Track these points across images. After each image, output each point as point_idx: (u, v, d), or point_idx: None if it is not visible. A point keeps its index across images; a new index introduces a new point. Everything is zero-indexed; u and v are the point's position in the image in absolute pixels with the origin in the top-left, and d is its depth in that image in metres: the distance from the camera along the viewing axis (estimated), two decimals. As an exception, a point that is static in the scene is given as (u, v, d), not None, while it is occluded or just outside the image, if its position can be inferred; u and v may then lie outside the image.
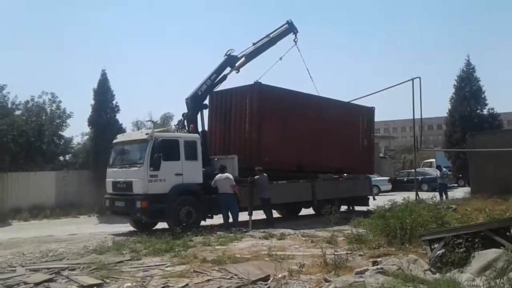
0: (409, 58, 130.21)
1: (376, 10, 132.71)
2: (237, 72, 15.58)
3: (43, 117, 24.33)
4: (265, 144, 14.40)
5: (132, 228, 13.46)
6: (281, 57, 16.48)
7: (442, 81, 79.29)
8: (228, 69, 15.34)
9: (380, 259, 7.43)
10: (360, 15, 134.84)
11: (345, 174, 17.32)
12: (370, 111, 19.12)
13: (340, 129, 17.01)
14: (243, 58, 15.67)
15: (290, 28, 16.85)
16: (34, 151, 22.70)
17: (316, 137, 15.86)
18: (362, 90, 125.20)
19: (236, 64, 15.46)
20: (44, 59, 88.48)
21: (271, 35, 16.38)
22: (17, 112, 24.55)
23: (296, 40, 16.97)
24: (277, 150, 14.48)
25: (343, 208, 17.05)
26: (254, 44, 16.00)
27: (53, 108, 24.87)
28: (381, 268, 6.42)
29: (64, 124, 24.80)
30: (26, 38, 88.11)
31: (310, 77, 17.50)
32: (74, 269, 7.81)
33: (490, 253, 6.03)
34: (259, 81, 14.70)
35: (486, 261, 5.89)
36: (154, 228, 13.25)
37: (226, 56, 15.36)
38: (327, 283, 6.11)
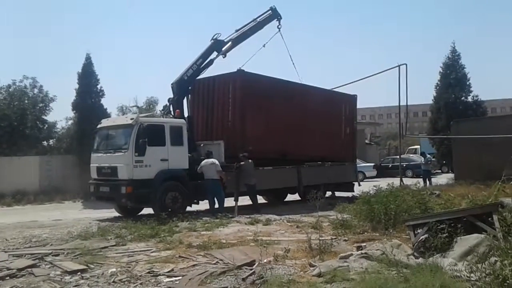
0: (395, 44, 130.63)
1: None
2: (223, 57, 15.41)
3: (26, 101, 23.91)
4: (248, 132, 14.28)
5: (117, 214, 13.37)
6: (265, 44, 16.38)
7: (427, 68, 79.74)
8: (215, 54, 15.16)
9: (364, 244, 7.52)
10: (346, 0, 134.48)
11: (329, 163, 17.35)
12: (353, 98, 19.12)
13: (323, 117, 16.98)
14: (230, 43, 15.50)
15: (273, 15, 16.67)
16: (17, 136, 22.32)
17: (299, 125, 15.80)
18: (347, 77, 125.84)
19: (223, 49, 15.29)
20: (28, 43, 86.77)
21: (258, 19, 16.23)
22: (-1, 96, 24.12)
23: (279, 26, 16.82)
24: (260, 139, 14.36)
25: (327, 194, 17.15)
26: (237, 30, 15.83)
27: (35, 92, 24.47)
28: (365, 253, 6.51)
29: (47, 109, 24.42)
30: (9, 21, 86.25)
31: (293, 64, 17.45)
32: (58, 255, 7.74)
33: (472, 238, 6.13)
34: (242, 68, 14.55)
35: (468, 246, 5.99)
36: (139, 213, 13.18)
37: (212, 41, 15.16)
38: (312, 268, 6.16)
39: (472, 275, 4.96)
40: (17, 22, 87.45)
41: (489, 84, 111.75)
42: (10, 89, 24.19)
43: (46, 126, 24.87)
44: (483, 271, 4.85)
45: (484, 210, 6.77)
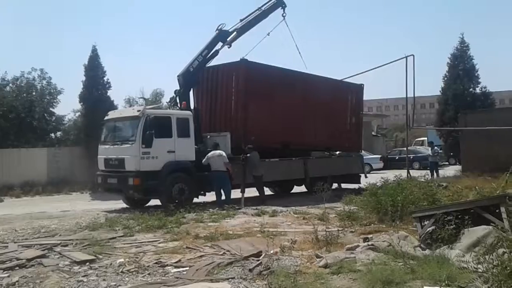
0: (402, 35, 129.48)
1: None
2: (229, 47, 15.33)
3: (33, 93, 24.04)
4: (251, 122, 14.23)
5: (124, 205, 13.47)
6: (269, 33, 16.23)
7: (435, 59, 79.02)
8: (220, 44, 15.09)
9: (371, 235, 7.51)
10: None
11: (337, 152, 17.28)
12: (359, 88, 18.96)
13: (328, 107, 16.87)
14: (235, 33, 15.40)
15: (278, 3, 16.54)
16: (25, 128, 22.48)
17: (303, 115, 15.73)
18: (355, 68, 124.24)
19: (228, 39, 15.19)
20: (35, 34, 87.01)
21: (262, 8, 16.12)
22: (7, 88, 24.23)
23: (284, 15, 16.65)
24: (263, 128, 14.34)
25: (334, 185, 17.13)
26: (242, 20, 15.73)
27: (43, 85, 24.59)
28: (372, 245, 6.51)
29: (55, 101, 24.59)
30: (15, 12, 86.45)
31: (299, 53, 17.32)
32: (66, 245, 7.81)
33: (480, 230, 6.10)
34: (245, 58, 14.50)
35: (475, 237, 5.97)
36: (146, 205, 13.28)
37: (217, 31, 15.09)
38: (318, 259, 6.16)
39: (479, 266, 4.94)
40: (23, 15, 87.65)
41: (498, 75, 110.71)
42: (17, 81, 24.33)
43: (54, 118, 25.02)
44: (491, 262, 4.83)
45: (491, 201, 6.72)
